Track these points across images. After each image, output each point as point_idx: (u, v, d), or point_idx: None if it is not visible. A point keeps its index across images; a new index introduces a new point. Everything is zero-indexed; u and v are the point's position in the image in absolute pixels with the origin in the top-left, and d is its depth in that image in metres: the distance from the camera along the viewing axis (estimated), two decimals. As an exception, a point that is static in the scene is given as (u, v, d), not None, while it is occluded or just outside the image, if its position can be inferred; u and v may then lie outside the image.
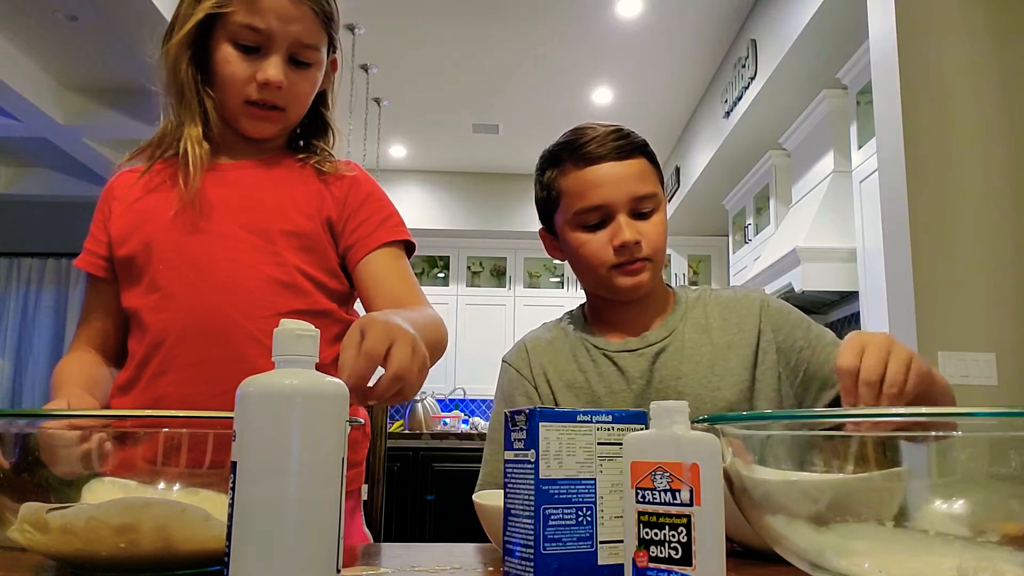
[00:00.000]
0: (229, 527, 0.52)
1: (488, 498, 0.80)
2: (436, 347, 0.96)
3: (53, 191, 6.04)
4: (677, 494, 0.55)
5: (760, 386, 1.11)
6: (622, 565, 0.58)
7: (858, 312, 3.70)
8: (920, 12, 2.58)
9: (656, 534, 0.55)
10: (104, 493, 0.65)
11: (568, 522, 0.62)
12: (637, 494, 0.57)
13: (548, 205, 1.16)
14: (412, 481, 3.49)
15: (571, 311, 1.24)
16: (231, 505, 0.52)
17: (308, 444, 0.52)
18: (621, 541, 0.62)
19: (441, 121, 5.69)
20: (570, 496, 0.63)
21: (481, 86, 5.13)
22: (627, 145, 1.10)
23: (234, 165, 1.09)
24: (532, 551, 0.61)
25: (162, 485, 0.68)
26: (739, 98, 4.34)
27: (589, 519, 0.63)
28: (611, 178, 1.09)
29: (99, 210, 1.12)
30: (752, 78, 4.11)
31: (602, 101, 5.28)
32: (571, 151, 1.11)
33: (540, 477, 0.62)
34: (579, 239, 1.11)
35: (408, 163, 6.46)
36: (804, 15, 3.40)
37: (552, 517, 0.62)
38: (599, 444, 0.65)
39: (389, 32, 4.47)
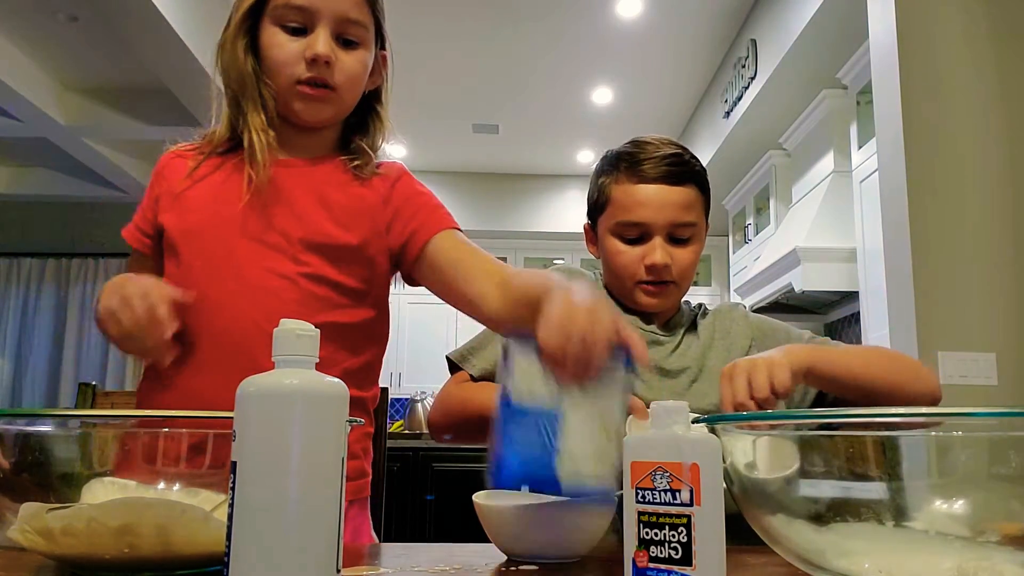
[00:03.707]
0: (229, 527, 0.52)
1: (488, 498, 0.81)
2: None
3: (53, 191, 6.04)
4: (677, 494, 0.55)
5: None
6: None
7: (858, 312, 3.70)
8: (920, 12, 2.58)
9: (656, 534, 0.55)
10: (104, 493, 0.65)
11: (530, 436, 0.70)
12: (637, 494, 0.57)
13: (597, 206, 1.22)
14: (412, 481, 3.49)
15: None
16: (231, 505, 0.52)
17: (308, 444, 0.52)
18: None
19: (441, 121, 5.69)
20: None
21: (481, 86, 5.13)
22: (681, 173, 1.15)
23: (282, 161, 1.08)
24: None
25: (162, 485, 0.68)
26: (739, 98, 4.34)
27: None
28: (656, 200, 1.14)
29: (150, 187, 1.12)
30: (752, 78, 4.11)
31: (602, 101, 5.28)
32: (628, 163, 1.16)
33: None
34: (616, 247, 1.17)
35: (408, 163, 6.42)
36: (804, 15, 3.40)
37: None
38: None
39: (389, 32, 4.46)
